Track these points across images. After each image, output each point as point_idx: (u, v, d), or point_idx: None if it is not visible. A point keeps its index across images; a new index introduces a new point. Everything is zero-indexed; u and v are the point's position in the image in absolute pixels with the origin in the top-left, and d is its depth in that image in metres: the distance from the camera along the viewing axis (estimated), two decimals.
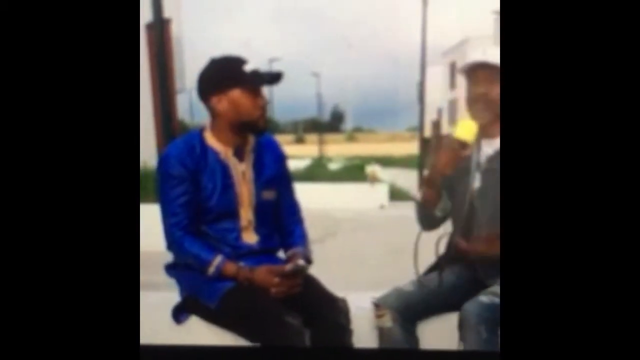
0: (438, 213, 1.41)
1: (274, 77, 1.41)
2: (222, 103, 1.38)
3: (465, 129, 1.30)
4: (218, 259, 1.35)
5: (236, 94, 1.37)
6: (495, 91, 1.35)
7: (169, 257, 1.48)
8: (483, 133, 1.41)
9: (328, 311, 1.33)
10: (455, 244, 1.41)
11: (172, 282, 1.48)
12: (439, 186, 1.38)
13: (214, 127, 1.43)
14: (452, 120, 23.63)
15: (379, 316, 1.36)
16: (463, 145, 1.30)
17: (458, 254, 1.41)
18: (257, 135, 1.45)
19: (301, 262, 1.38)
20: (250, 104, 1.38)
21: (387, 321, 1.35)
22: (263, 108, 1.40)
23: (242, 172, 1.42)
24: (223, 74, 1.39)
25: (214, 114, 1.41)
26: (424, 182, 1.39)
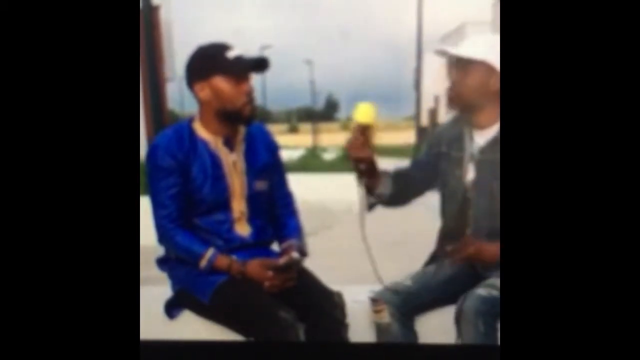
0: (372, 200, 1.39)
1: (258, 63, 1.36)
2: (204, 91, 1.35)
3: (362, 112, 1.29)
4: (210, 252, 1.33)
5: (218, 81, 1.33)
6: (469, 81, 1.34)
7: (162, 251, 1.45)
8: (474, 124, 1.39)
9: (323, 305, 1.32)
10: (442, 248, 1.41)
11: (167, 276, 1.46)
12: (369, 171, 1.34)
13: (202, 117, 1.40)
14: (449, 108, 23.56)
15: (376, 312, 1.35)
16: (364, 128, 1.29)
17: (443, 256, 1.40)
18: (245, 125, 1.41)
19: (295, 255, 1.36)
20: (232, 91, 1.33)
21: (385, 317, 1.34)
22: (248, 95, 1.35)
23: (232, 162, 1.39)
24: (204, 61, 1.35)
25: (199, 102, 1.38)
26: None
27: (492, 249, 1.30)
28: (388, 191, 1.39)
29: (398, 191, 1.43)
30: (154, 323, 1.38)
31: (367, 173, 1.34)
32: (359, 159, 1.31)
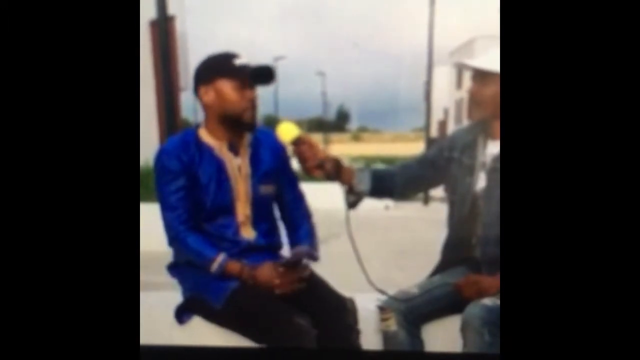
0: (349, 198, 1.41)
1: (264, 71, 1.39)
2: (208, 94, 1.38)
3: (285, 131, 1.35)
4: (221, 257, 1.34)
5: (222, 85, 1.37)
6: (487, 92, 1.36)
7: (170, 256, 1.47)
8: (489, 133, 1.40)
9: (336, 311, 1.32)
10: (447, 257, 1.43)
11: (173, 282, 1.48)
12: (335, 170, 1.36)
13: (207, 123, 1.43)
14: (459, 120, 23.57)
15: (384, 319, 1.35)
16: (297, 142, 1.33)
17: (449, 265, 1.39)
18: (246, 131, 1.43)
19: (299, 256, 1.36)
20: (236, 96, 1.36)
21: (392, 325, 1.34)
22: (251, 102, 1.38)
23: (237, 167, 1.41)
24: (211, 66, 1.39)
25: (203, 106, 1.41)
26: None
27: (493, 283, 1.30)
28: (367, 186, 1.41)
29: (383, 185, 1.44)
30: (155, 328, 1.39)
31: (334, 172, 1.36)
32: (317, 166, 1.34)
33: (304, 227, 1.49)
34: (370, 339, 1.38)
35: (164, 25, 3.30)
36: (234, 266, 1.34)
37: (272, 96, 25.10)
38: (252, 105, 1.38)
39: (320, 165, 1.33)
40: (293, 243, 1.48)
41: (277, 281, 1.31)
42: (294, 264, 1.33)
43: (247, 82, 1.37)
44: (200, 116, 1.47)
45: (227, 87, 1.36)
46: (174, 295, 1.46)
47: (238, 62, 1.36)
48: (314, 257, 1.43)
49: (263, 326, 1.27)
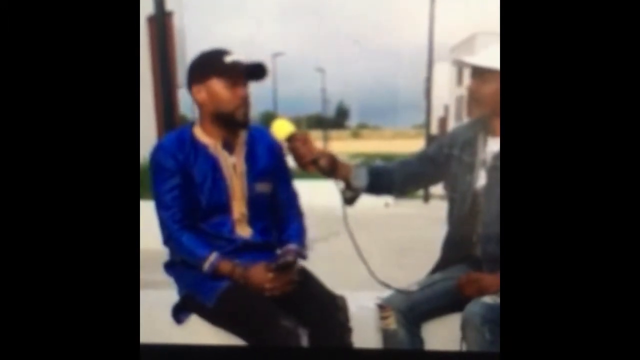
0: (346, 194, 1.41)
1: (255, 68, 1.38)
2: (201, 93, 1.38)
3: (279, 128, 1.36)
4: (213, 256, 1.34)
5: (214, 83, 1.36)
6: (486, 89, 1.36)
7: (164, 254, 1.46)
8: (490, 130, 1.40)
9: (327, 309, 1.32)
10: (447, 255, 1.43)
11: (172, 281, 1.47)
12: (330, 165, 1.36)
13: (201, 121, 1.42)
14: (459, 117, 23.59)
15: (383, 318, 1.35)
16: (291, 138, 1.34)
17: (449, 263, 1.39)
18: (240, 128, 1.42)
19: (290, 258, 1.36)
20: (228, 94, 1.36)
21: (392, 323, 1.34)
22: (242, 99, 1.37)
23: (232, 165, 1.41)
24: (202, 64, 1.39)
25: (197, 105, 1.41)
26: None
27: (493, 281, 1.30)
28: (363, 182, 1.41)
29: (381, 181, 1.44)
30: (155, 327, 1.39)
31: (330, 167, 1.36)
32: (312, 162, 1.33)
33: (295, 226, 1.48)
34: (369, 339, 1.37)
35: (162, 21, 3.29)
36: (226, 266, 1.34)
37: (271, 93, 25.13)
38: (245, 102, 1.37)
39: (315, 161, 1.33)
40: (283, 241, 1.46)
41: (268, 283, 1.31)
42: (286, 266, 1.33)
43: (238, 80, 1.36)
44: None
45: (218, 86, 1.36)
46: (173, 294, 1.46)
47: (229, 59, 1.36)
48: (303, 256, 1.43)
49: (249, 327, 1.27)
